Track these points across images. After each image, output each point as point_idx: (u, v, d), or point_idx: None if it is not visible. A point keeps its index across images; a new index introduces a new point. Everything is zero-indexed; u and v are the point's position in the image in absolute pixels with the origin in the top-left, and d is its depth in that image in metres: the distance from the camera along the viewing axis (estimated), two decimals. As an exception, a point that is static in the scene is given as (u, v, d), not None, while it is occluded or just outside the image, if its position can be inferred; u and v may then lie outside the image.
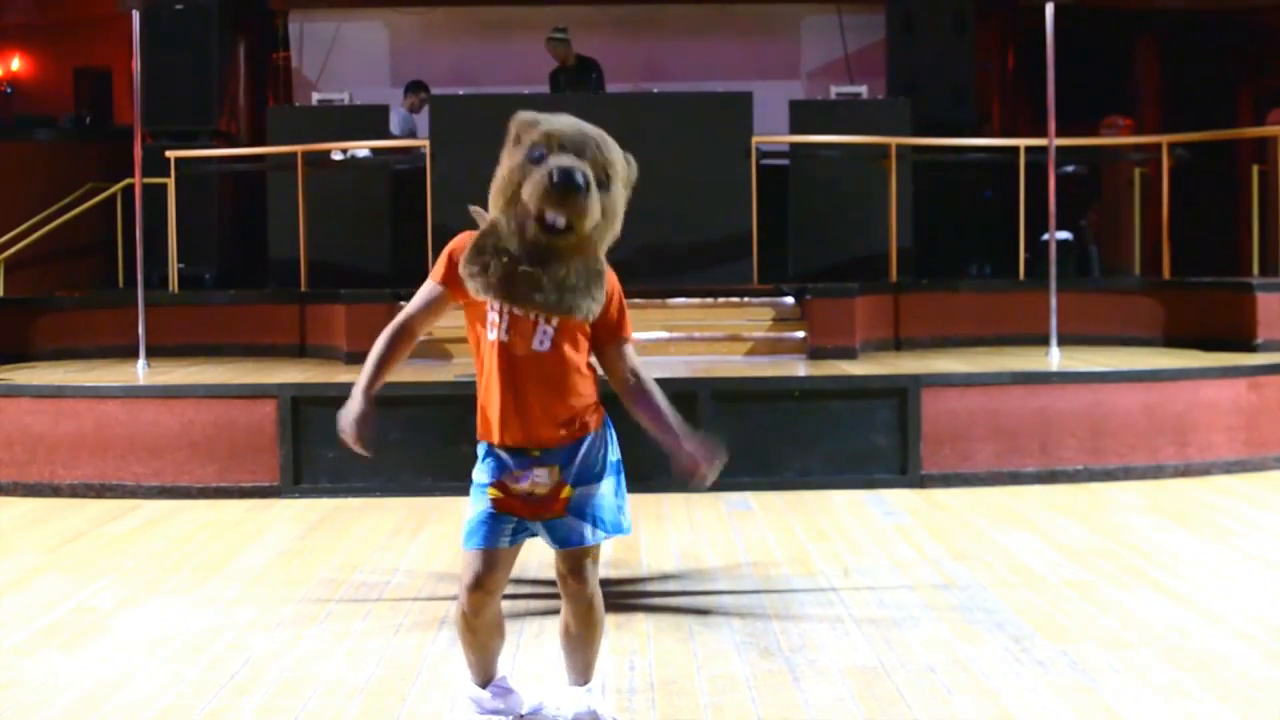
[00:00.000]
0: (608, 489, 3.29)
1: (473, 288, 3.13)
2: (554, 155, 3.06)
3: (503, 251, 3.11)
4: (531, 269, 3.09)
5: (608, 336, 3.26)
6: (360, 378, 3.29)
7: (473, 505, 3.29)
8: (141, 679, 4.00)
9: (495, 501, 3.25)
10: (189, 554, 5.75)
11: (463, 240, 3.21)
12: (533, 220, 3.06)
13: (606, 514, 3.28)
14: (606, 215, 3.13)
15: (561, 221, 3.04)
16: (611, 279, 3.24)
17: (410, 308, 3.31)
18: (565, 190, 3.01)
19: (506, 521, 3.25)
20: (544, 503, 3.24)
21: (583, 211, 3.05)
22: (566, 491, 3.23)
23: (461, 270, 3.14)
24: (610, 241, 3.20)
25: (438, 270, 3.26)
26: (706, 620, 4.60)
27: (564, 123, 3.13)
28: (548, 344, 3.17)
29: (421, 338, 3.43)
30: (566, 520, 3.25)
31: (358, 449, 3.27)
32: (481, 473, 3.28)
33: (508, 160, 3.13)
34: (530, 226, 3.07)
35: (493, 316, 3.17)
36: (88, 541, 6.03)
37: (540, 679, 3.89)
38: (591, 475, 3.26)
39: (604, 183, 3.11)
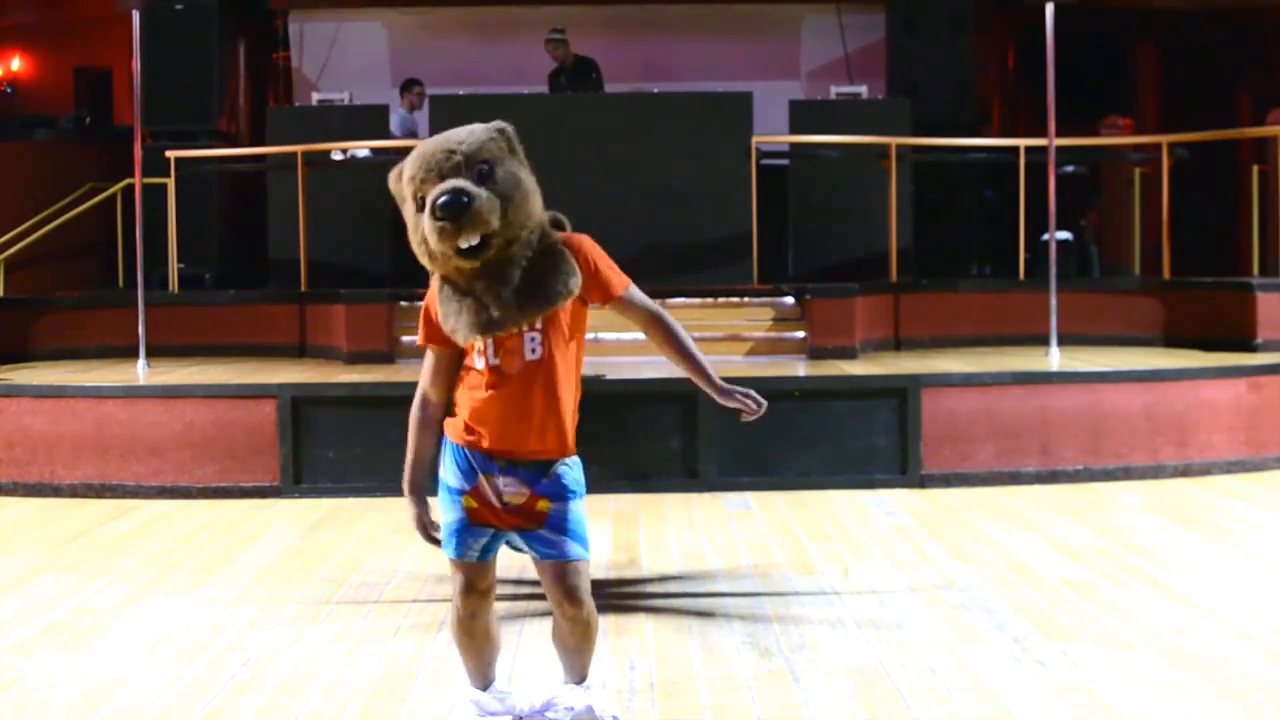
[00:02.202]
0: (578, 509, 3.26)
1: (460, 339, 3.14)
2: (428, 189, 3.04)
3: (463, 294, 3.10)
4: (492, 293, 3.06)
5: (604, 295, 3.23)
6: (405, 476, 3.33)
7: (446, 510, 3.27)
8: (141, 679, 4.00)
9: (470, 513, 3.23)
10: (189, 554, 5.75)
11: (429, 298, 3.22)
12: (453, 256, 3.03)
13: (580, 530, 3.26)
14: (508, 194, 3.04)
15: (474, 240, 3.01)
16: (577, 243, 3.19)
17: (422, 381, 3.32)
18: (452, 215, 2.97)
19: (480, 535, 3.24)
20: (521, 513, 3.22)
21: (480, 219, 2.99)
22: (544, 504, 3.21)
23: (445, 329, 3.15)
24: (536, 211, 3.12)
25: (422, 334, 3.26)
26: (706, 620, 4.60)
27: (418, 156, 3.08)
28: (540, 351, 3.15)
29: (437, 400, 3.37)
30: (544, 533, 3.22)
31: (434, 544, 3.31)
32: (452, 476, 3.25)
33: (407, 220, 3.13)
34: (456, 261, 3.04)
35: (479, 346, 3.17)
36: (88, 541, 6.03)
37: (540, 679, 3.88)
38: (565, 492, 3.23)
39: (485, 174, 3.04)
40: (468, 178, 3.02)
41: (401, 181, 3.12)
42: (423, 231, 3.05)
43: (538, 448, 3.20)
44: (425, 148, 3.10)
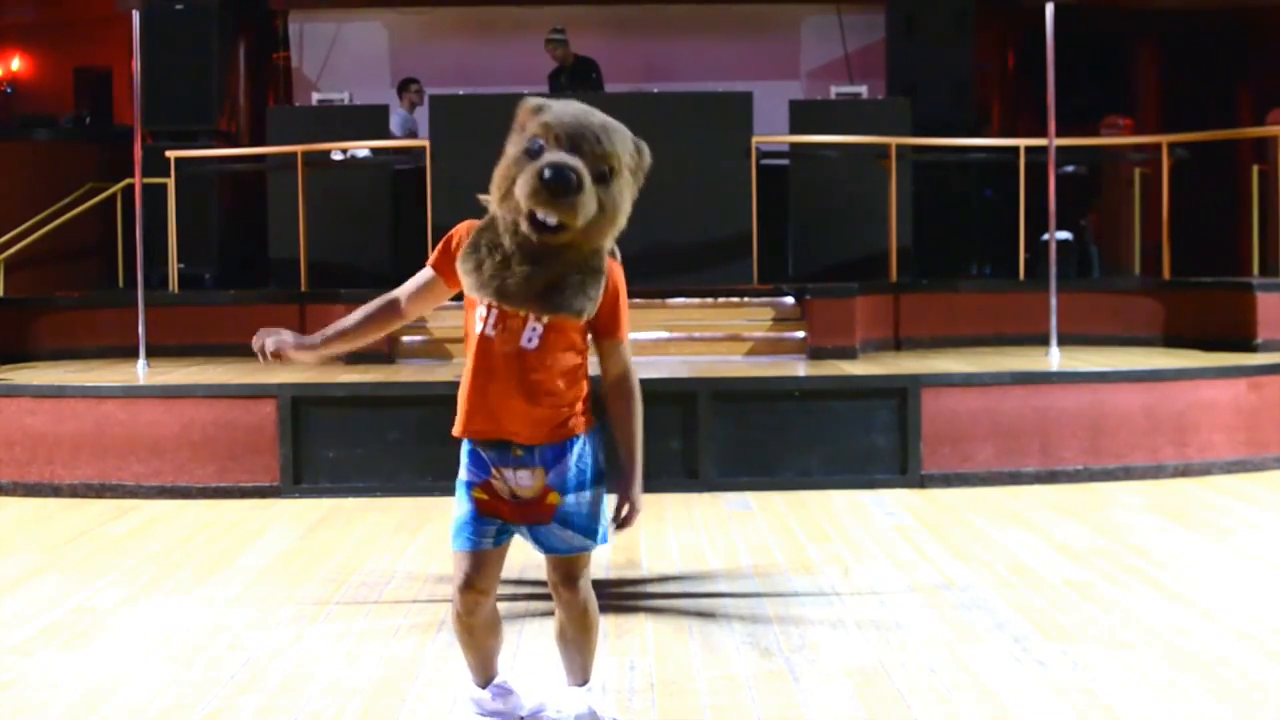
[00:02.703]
0: (596, 497, 3.24)
1: (466, 285, 3.11)
2: (550, 149, 2.98)
3: (496, 248, 3.06)
4: (523, 267, 3.03)
5: (606, 331, 3.21)
6: (327, 329, 3.30)
7: (458, 504, 3.26)
8: (141, 679, 4.00)
9: (479, 503, 3.22)
10: (189, 554, 5.75)
11: (463, 228, 3.18)
12: (525, 217, 2.99)
13: (592, 522, 3.24)
14: (606, 210, 3.03)
15: (553, 219, 2.96)
16: (614, 275, 3.18)
17: (402, 287, 3.31)
18: (555, 188, 2.93)
19: (490, 523, 3.23)
20: (530, 507, 3.21)
21: (574, 210, 2.95)
22: (554, 498, 3.20)
23: (458, 266, 3.12)
24: (613, 236, 3.12)
25: (433, 254, 3.25)
26: (707, 620, 4.60)
27: (567, 112, 3.03)
28: (536, 342, 3.12)
29: (411, 322, 3.37)
30: (552, 528, 3.21)
31: (260, 350, 3.26)
32: (465, 469, 3.25)
33: (510, 149, 3.06)
34: (523, 223, 3.00)
35: (481, 310, 3.14)
36: (88, 541, 6.03)
37: (540, 679, 3.88)
38: (580, 483, 3.21)
39: (604, 176, 3.01)
40: (591, 167, 2.98)
41: (536, 115, 3.04)
42: (516, 173, 2.99)
43: (528, 433, 3.16)
44: (580, 111, 3.03)
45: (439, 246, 3.24)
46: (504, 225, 3.07)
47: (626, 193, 3.09)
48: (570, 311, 3.08)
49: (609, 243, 3.14)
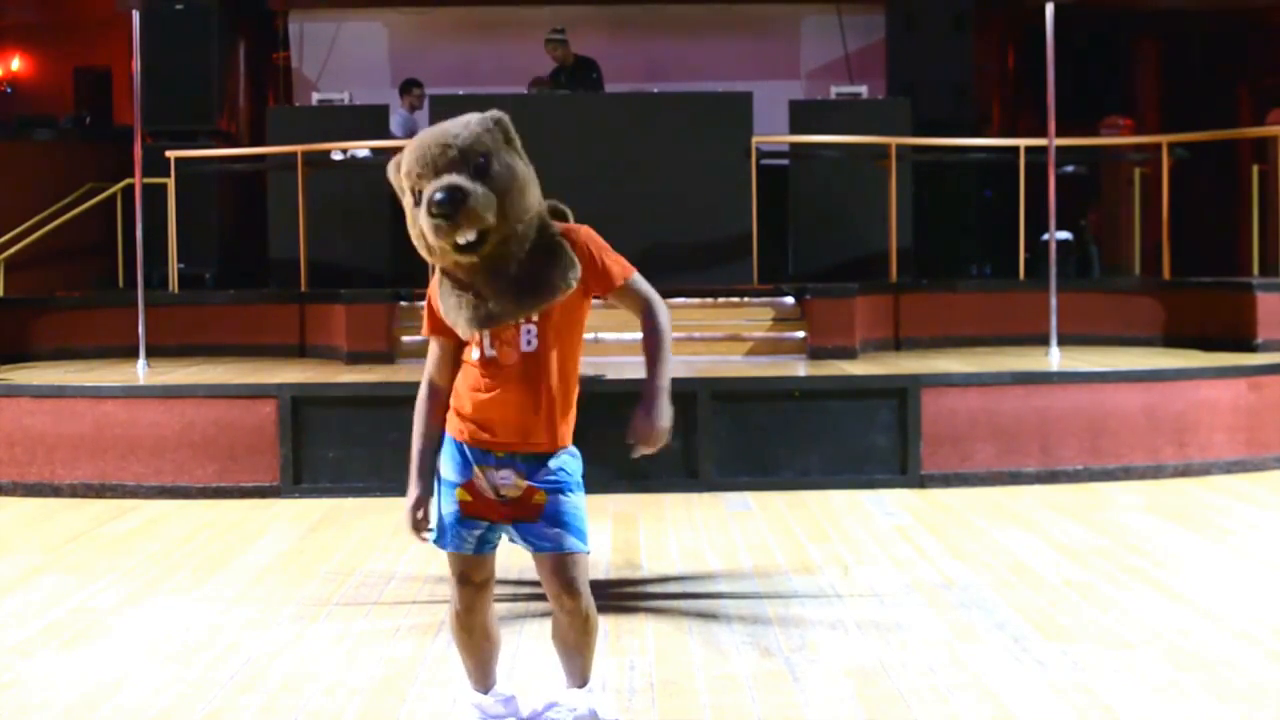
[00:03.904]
0: (576, 500, 3.25)
1: (461, 332, 3.15)
2: (424, 184, 3.02)
3: (463, 288, 3.11)
4: (491, 287, 3.07)
5: (604, 285, 3.20)
6: (410, 461, 3.30)
7: (442, 503, 3.26)
8: (141, 679, 4.00)
9: (464, 505, 3.22)
10: (189, 554, 5.75)
11: (433, 290, 3.22)
12: (452, 251, 3.03)
13: (578, 523, 3.24)
14: (504, 186, 3.02)
15: (470, 235, 3.00)
16: (577, 234, 3.18)
17: (428, 369, 3.32)
18: (446, 211, 2.96)
19: (475, 526, 3.23)
20: (517, 505, 3.21)
21: (476, 214, 2.98)
22: (540, 496, 3.20)
23: (445, 321, 3.16)
24: (535, 199, 3.10)
25: (426, 325, 3.27)
26: (706, 620, 4.60)
27: (418, 147, 3.06)
28: (535, 343, 3.14)
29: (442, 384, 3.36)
30: (540, 525, 3.21)
31: (421, 538, 3.28)
32: (449, 469, 3.25)
33: (408, 215, 3.11)
34: (454, 257, 3.05)
35: (476, 338, 3.17)
36: (88, 541, 6.03)
37: (541, 680, 3.88)
38: (562, 484, 3.22)
39: (481, 167, 3.01)
40: (464, 172, 3.00)
41: (400, 174, 3.11)
42: (420, 227, 3.05)
43: (534, 440, 3.18)
44: (421, 140, 3.08)
45: (425, 317, 3.28)
46: (449, 268, 3.13)
47: (514, 162, 3.08)
48: (555, 293, 3.10)
49: (534, 211, 3.10)
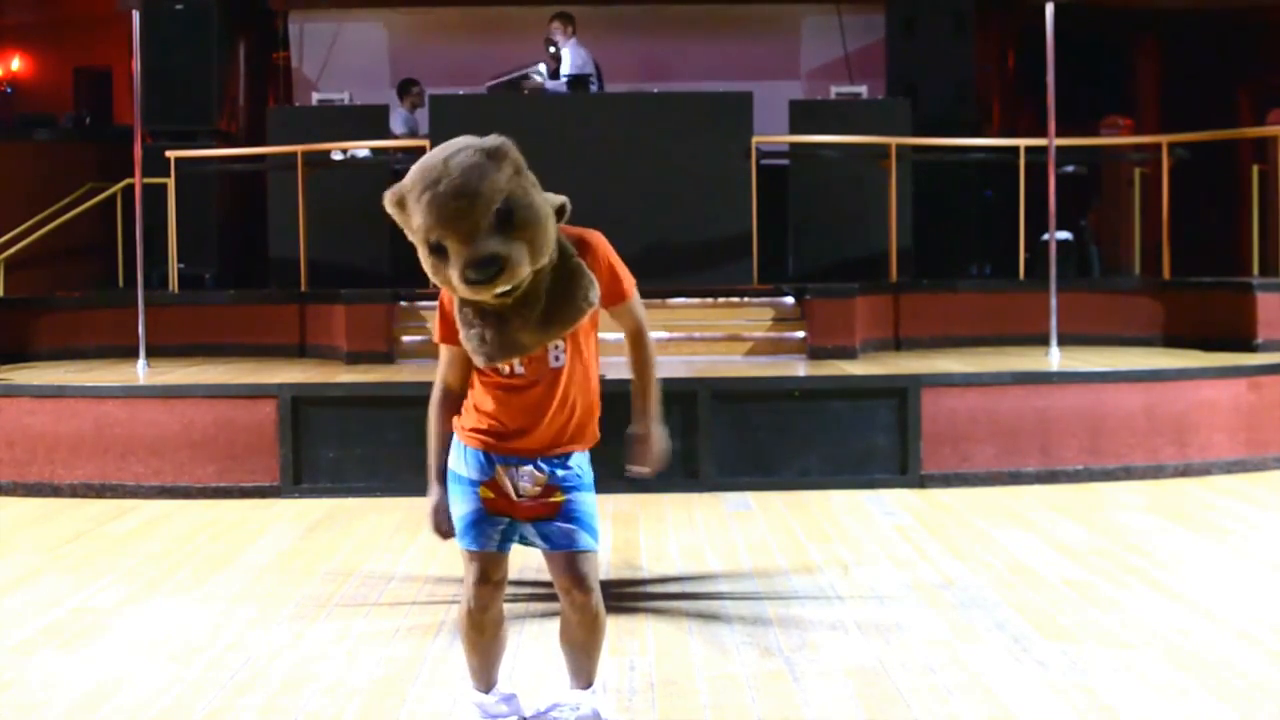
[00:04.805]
0: (592, 500, 3.29)
1: (480, 362, 3.10)
2: (449, 243, 2.90)
3: (487, 315, 3.04)
4: (519, 319, 3.02)
5: (612, 300, 3.22)
6: (429, 465, 3.31)
7: (462, 502, 3.26)
8: (141, 679, 4.00)
9: (487, 502, 3.24)
10: (189, 554, 5.75)
11: (444, 297, 3.16)
12: (486, 298, 2.98)
13: (593, 521, 3.28)
14: (530, 231, 2.94)
15: (507, 287, 2.94)
16: (595, 247, 3.16)
17: (441, 372, 3.30)
18: (483, 282, 2.90)
19: (497, 523, 3.24)
20: (536, 503, 3.23)
21: (510, 275, 2.91)
22: (559, 496, 3.22)
23: (466, 348, 3.10)
24: (553, 234, 3.01)
25: (440, 332, 3.23)
26: (706, 620, 4.60)
27: (432, 203, 2.88)
28: (563, 359, 3.17)
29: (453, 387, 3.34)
30: (557, 524, 3.23)
31: (442, 538, 3.30)
32: (468, 467, 3.25)
33: (416, 243, 2.98)
34: (487, 300, 2.98)
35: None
36: (88, 541, 6.03)
37: (542, 680, 3.89)
38: (581, 484, 3.26)
39: (505, 215, 2.90)
40: (488, 226, 2.89)
41: (404, 213, 2.97)
42: (444, 277, 2.96)
43: (566, 443, 3.23)
44: (435, 197, 2.88)
45: (438, 324, 3.23)
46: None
47: (533, 197, 2.97)
48: (582, 315, 3.09)
49: (554, 234, 3.03)
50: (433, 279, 3.02)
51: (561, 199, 3.08)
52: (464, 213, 2.88)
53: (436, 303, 3.23)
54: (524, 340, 3.05)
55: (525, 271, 2.95)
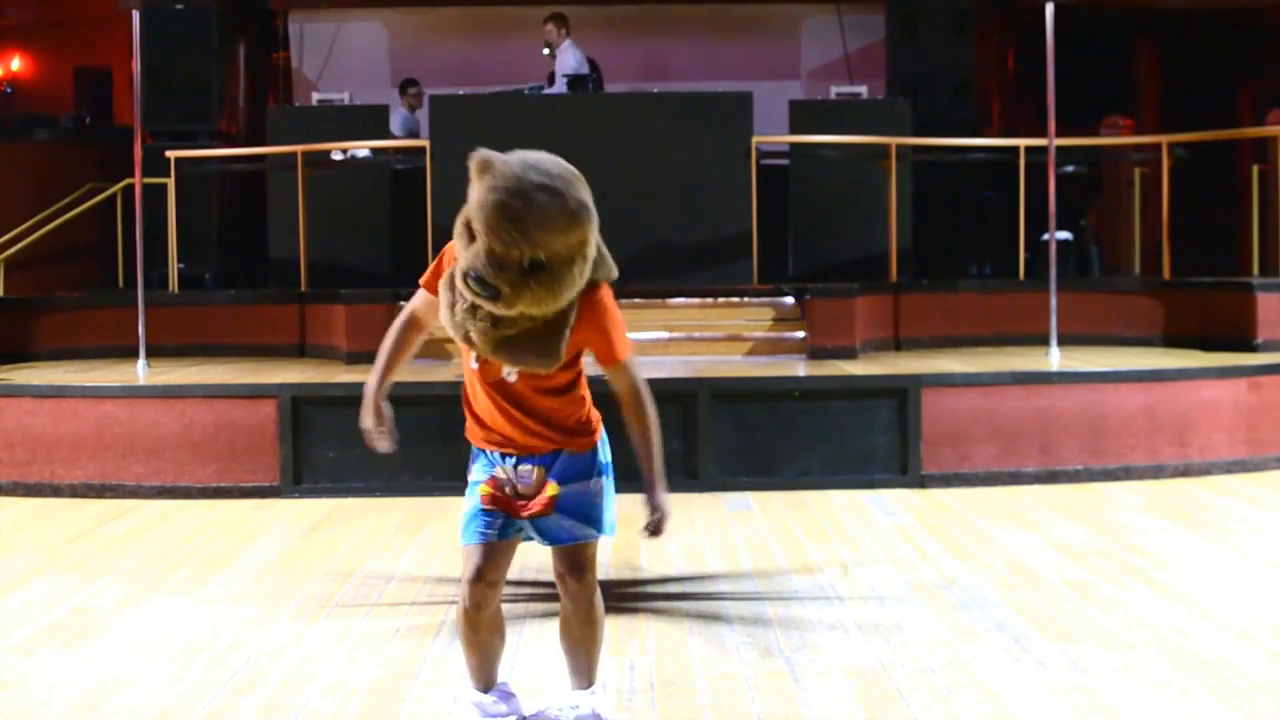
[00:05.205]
0: (597, 488, 3.28)
1: (440, 317, 3.12)
2: (481, 239, 2.90)
3: (467, 310, 3.03)
4: (483, 323, 3.00)
5: (600, 359, 3.20)
6: (370, 376, 3.34)
7: (467, 501, 3.31)
8: (141, 679, 4.00)
9: (484, 497, 3.26)
10: (189, 554, 5.75)
11: (451, 250, 3.14)
12: (466, 320, 3.00)
13: (596, 512, 3.28)
14: (544, 292, 2.92)
15: (484, 307, 2.96)
16: (598, 302, 3.11)
17: (413, 304, 3.33)
18: (477, 292, 2.92)
19: (496, 516, 3.26)
20: (532, 500, 3.24)
21: (498, 307, 2.93)
22: (552, 490, 3.23)
23: (439, 296, 3.10)
24: (562, 303, 2.98)
25: (426, 276, 3.23)
26: (706, 620, 4.60)
27: (500, 209, 2.86)
28: (514, 376, 3.16)
29: (428, 335, 3.41)
30: (555, 518, 3.24)
31: (380, 447, 3.34)
32: (475, 470, 3.31)
33: (471, 197, 2.95)
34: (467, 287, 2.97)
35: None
36: (88, 541, 6.03)
37: (541, 680, 3.89)
38: (579, 474, 3.26)
39: (536, 264, 2.89)
40: (516, 260, 2.87)
41: (480, 178, 2.91)
42: (461, 248, 2.97)
43: (527, 444, 3.23)
44: (507, 208, 2.85)
45: (430, 270, 3.22)
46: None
47: (568, 269, 2.93)
48: (532, 368, 3.08)
49: (558, 307, 2.99)
50: (453, 242, 3.02)
51: (613, 274, 3.07)
52: (514, 241, 2.88)
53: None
54: (475, 340, 3.05)
55: (512, 314, 2.96)
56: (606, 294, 3.15)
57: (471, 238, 2.95)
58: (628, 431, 3.27)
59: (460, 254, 2.99)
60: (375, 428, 3.35)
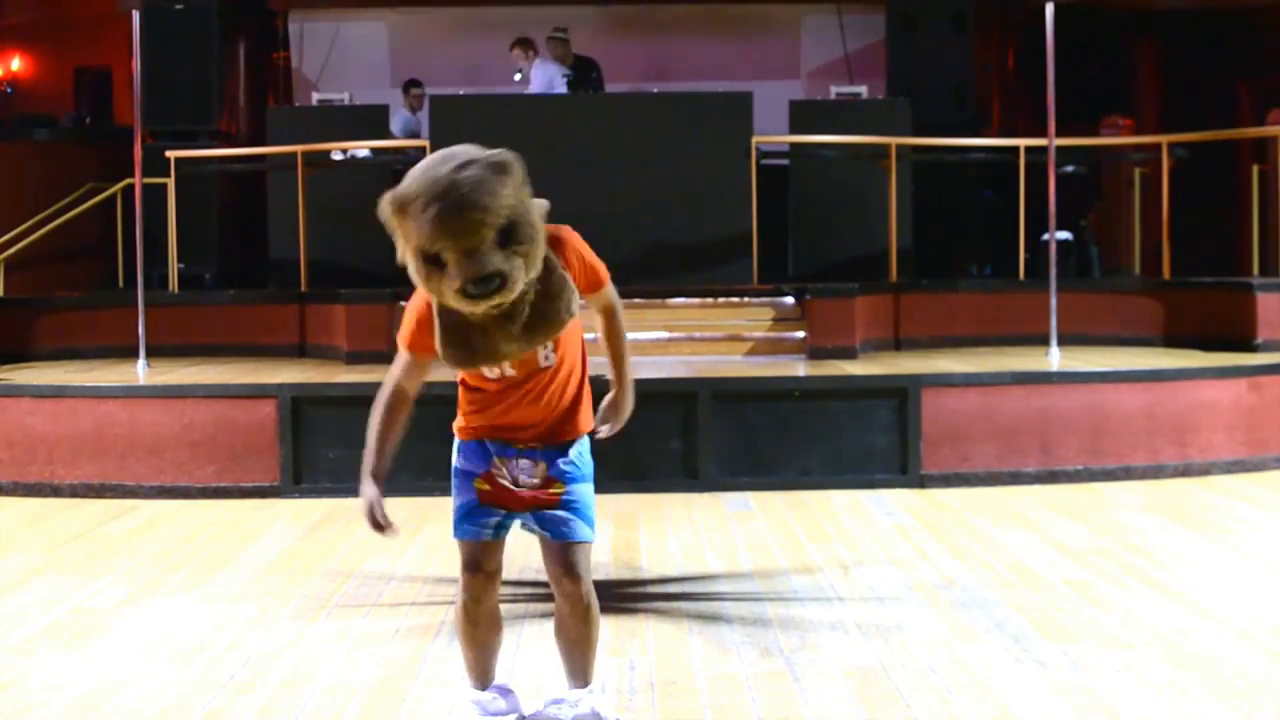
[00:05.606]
0: (589, 491, 3.32)
1: (467, 371, 3.13)
2: (450, 255, 2.86)
3: (471, 325, 3.02)
4: (503, 329, 3.00)
5: (589, 289, 3.23)
6: (365, 460, 3.30)
7: (458, 493, 3.30)
8: (141, 679, 4.00)
9: (481, 493, 3.26)
10: (189, 554, 5.75)
11: (422, 305, 3.13)
12: (477, 311, 2.96)
13: (591, 514, 3.31)
14: (528, 252, 2.92)
15: (497, 303, 2.93)
16: (566, 244, 3.11)
17: (395, 374, 3.27)
18: (482, 295, 2.88)
19: (492, 514, 3.27)
20: (537, 493, 3.25)
21: (508, 289, 2.89)
22: (558, 487, 3.25)
23: (446, 358, 3.09)
24: (543, 251, 2.98)
25: (407, 339, 3.20)
26: (706, 620, 4.60)
27: (437, 215, 2.82)
28: (553, 358, 3.19)
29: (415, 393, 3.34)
30: (559, 513, 3.26)
31: (384, 535, 3.30)
32: (463, 460, 3.29)
33: (409, 257, 2.95)
34: (475, 312, 2.96)
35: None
36: (88, 541, 6.03)
37: (541, 679, 3.89)
38: (579, 475, 3.29)
39: (507, 230, 2.87)
40: (491, 241, 2.86)
41: (404, 220, 2.91)
42: (437, 286, 2.93)
43: (562, 434, 3.26)
44: (443, 210, 2.83)
45: (409, 330, 3.19)
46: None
47: (530, 212, 2.94)
48: (564, 324, 3.09)
49: (542, 256, 2.98)
50: (421, 287, 2.99)
51: (544, 203, 3.03)
52: (473, 228, 2.84)
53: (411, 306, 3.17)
54: (507, 349, 3.05)
55: (520, 287, 2.94)
56: (565, 229, 3.16)
57: (438, 266, 2.90)
58: (605, 344, 3.39)
59: (437, 292, 2.94)
60: (373, 519, 3.30)
